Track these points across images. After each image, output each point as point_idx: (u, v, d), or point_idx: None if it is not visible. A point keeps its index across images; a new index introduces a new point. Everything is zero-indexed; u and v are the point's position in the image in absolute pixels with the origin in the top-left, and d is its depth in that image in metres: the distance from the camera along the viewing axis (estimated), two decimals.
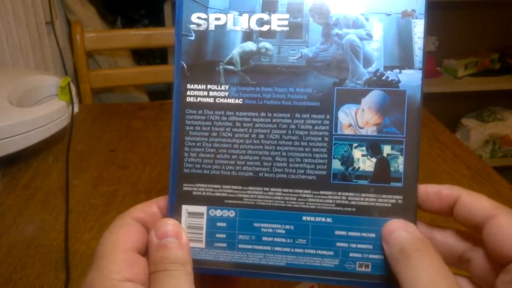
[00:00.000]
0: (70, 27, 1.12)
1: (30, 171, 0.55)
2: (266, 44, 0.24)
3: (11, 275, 0.38)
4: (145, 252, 0.23)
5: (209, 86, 0.24)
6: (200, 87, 0.24)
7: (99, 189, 0.52)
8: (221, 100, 0.24)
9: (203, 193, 0.24)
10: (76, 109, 0.65)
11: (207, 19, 0.24)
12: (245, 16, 0.24)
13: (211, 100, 0.24)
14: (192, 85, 0.24)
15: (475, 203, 0.22)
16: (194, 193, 0.24)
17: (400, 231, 0.22)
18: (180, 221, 0.24)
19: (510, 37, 1.78)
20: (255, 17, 0.24)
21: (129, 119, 0.72)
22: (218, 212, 0.24)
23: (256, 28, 0.24)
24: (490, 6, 1.70)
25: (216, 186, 0.24)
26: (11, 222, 0.46)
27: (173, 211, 0.24)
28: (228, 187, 0.24)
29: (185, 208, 0.24)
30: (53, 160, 0.58)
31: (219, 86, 0.24)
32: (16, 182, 0.53)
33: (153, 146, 0.63)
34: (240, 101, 0.24)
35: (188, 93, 0.24)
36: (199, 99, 0.24)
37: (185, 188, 0.24)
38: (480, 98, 1.85)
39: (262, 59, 0.24)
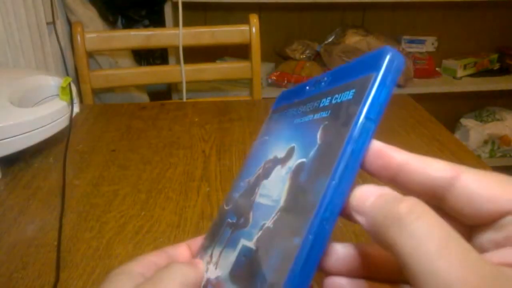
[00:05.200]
0: (71, 27, 1.12)
1: (31, 171, 0.55)
2: None
3: (12, 274, 0.39)
4: None
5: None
6: None
7: (99, 188, 0.52)
8: None
9: None
10: (77, 109, 0.65)
11: None
12: None
13: None
14: None
15: (428, 167, 0.18)
16: None
17: (373, 197, 0.18)
18: None
19: (509, 38, 1.79)
20: None
21: (130, 119, 0.72)
22: None
23: None
24: (489, 7, 1.70)
25: None
26: (12, 221, 0.46)
27: None
28: None
29: None
30: (54, 160, 0.58)
31: None
32: (17, 182, 0.53)
33: (153, 146, 0.63)
34: None
35: None
36: None
37: None
38: (479, 98, 1.85)
39: None
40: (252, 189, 0.26)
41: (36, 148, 0.58)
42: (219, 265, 0.24)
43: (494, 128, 1.75)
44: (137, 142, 0.64)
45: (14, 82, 0.63)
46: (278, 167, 0.24)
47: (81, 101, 0.98)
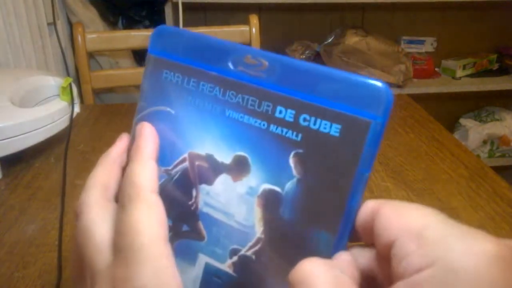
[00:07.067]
0: (71, 28, 1.12)
1: (32, 171, 0.56)
2: None
3: (13, 274, 0.39)
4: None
5: None
6: None
7: None
8: None
9: None
10: (77, 109, 0.65)
11: None
12: None
13: None
14: None
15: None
16: None
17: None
18: None
19: (508, 38, 1.79)
20: None
21: (130, 119, 0.72)
22: None
23: None
24: (489, 7, 1.70)
25: None
26: (13, 221, 0.46)
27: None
28: None
29: None
30: (55, 160, 0.58)
31: None
32: (18, 181, 0.53)
33: None
34: None
35: None
36: None
37: None
38: (478, 98, 1.85)
39: None
40: (184, 189, 0.22)
41: (37, 148, 0.58)
42: None
43: (493, 128, 1.75)
44: None
45: (15, 82, 0.63)
46: (226, 177, 0.21)
47: (81, 101, 0.99)
